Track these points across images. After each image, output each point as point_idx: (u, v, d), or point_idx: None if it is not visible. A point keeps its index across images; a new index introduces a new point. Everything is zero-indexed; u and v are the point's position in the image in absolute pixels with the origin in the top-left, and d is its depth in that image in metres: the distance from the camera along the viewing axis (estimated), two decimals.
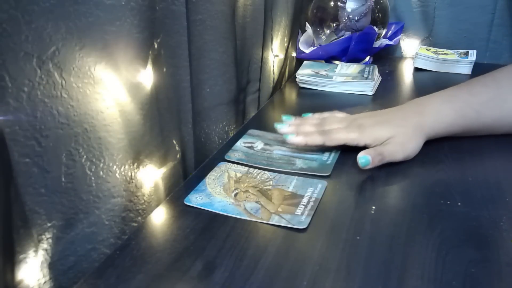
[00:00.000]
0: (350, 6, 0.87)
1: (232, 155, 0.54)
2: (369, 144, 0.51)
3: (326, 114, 0.58)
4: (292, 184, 0.48)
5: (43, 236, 0.35)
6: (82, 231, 0.39)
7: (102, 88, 0.38)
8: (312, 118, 0.56)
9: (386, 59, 0.98)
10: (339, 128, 0.53)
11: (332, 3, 0.89)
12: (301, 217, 0.42)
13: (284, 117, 0.56)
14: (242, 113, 0.73)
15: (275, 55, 0.82)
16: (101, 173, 0.40)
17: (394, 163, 0.50)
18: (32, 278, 0.35)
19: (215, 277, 0.35)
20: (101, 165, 0.40)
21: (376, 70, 0.81)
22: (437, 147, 0.53)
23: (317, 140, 0.52)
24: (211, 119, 0.61)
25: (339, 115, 0.58)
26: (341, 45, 0.87)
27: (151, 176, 0.47)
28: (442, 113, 0.52)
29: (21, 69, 0.31)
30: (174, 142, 0.52)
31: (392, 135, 0.50)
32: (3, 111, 0.31)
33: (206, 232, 0.40)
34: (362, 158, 0.48)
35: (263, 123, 0.65)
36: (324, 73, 0.81)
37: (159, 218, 0.43)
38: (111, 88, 0.39)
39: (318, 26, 0.92)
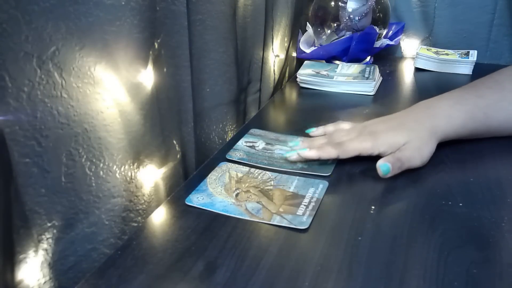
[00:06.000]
0: (351, 6, 0.87)
1: (233, 154, 0.54)
2: (384, 152, 0.49)
3: (330, 127, 0.56)
4: (293, 184, 0.48)
5: (43, 236, 0.35)
6: (82, 231, 0.39)
7: (102, 88, 0.38)
8: (319, 137, 0.54)
9: (387, 59, 0.98)
10: (351, 139, 0.51)
11: (333, 3, 0.89)
12: (302, 218, 0.42)
13: (290, 144, 0.54)
14: (243, 113, 0.73)
15: (275, 55, 0.82)
16: (101, 173, 0.40)
17: None
18: (32, 278, 0.35)
19: (217, 278, 0.35)
20: (101, 165, 0.40)
21: (377, 70, 0.81)
22: (438, 147, 0.52)
23: (331, 153, 0.49)
24: (211, 119, 0.61)
25: (344, 125, 0.56)
26: (342, 45, 0.86)
27: (151, 176, 0.47)
28: (453, 116, 0.52)
29: (21, 69, 0.31)
30: (175, 142, 0.52)
31: (408, 140, 0.49)
32: (3, 111, 0.30)
33: (207, 232, 0.40)
34: (383, 166, 0.47)
35: (263, 123, 0.65)
36: (325, 73, 0.81)
37: (160, 218, 0.43)
38: (111, 88, 0.39)
39: (319, 26, 0.92)
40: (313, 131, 0.57)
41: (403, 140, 0.49)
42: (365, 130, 0.52)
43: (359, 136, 0.51)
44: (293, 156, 0.51)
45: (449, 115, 0.52)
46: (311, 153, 0.50)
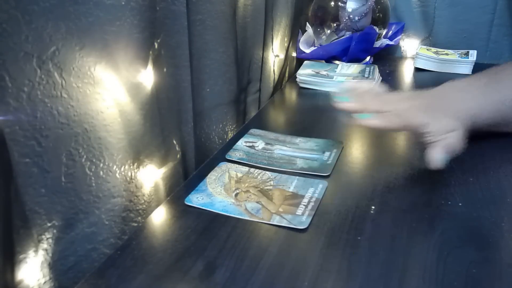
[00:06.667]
0: (350, 6, 0.87)
1: (233, 154, 0.54)
2: (434, 133, 0.46)
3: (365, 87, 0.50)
4: (293, 184, 0.48)
5: (43, 236, 0.35)
6: (82, 231, 0.39)
7: (102, 88, 0.38)
8: (370, 98, 0.48)
9: (387, 59, 0.98)
10: (410, 109, 0.47)
11: (332, 3, 0.89)
12: (302, 217, 0.42)
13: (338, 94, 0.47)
14: (243, 113, 0.73)
15: (275, 55, 0.82)
16: (101, 173, 0.40)
17: (393, 163, 0.50)
18: (32, 278, 0.35)
19: (216, 277, 0.35)
20: (101, 165, 0.40)
21: (377, 70, 0.81)
22: None
23: (394, 123, 0.45)
24: (211, 119, 0.61)
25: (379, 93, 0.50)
26: (341, 45, 0.87)
27: (151, 176, 0.47)
28: (485, 109, 0.52)
29: (21, 69, 0.31)
30: (175, 142, 0.52)
31: (456, 128, 0.47)
32: (3, 111, 0.30)
33: (207, 232, 0.40)
34: (442, 157, 0.45)
35: (263, 123, 0.65)
36: (324, 73, 0.81)
37: (160, 218, 0.43)
38: (111, 88, 0.39)
39: (319, 26, 0.92)
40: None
41: (452, 127, 0.47)
42: (415, 102, 0.48)
43: (417, 110, 0.47)
44: (346, 104, 0.46)
45: (481, 107, 0.51)
46: (377, 123, 0.45)
